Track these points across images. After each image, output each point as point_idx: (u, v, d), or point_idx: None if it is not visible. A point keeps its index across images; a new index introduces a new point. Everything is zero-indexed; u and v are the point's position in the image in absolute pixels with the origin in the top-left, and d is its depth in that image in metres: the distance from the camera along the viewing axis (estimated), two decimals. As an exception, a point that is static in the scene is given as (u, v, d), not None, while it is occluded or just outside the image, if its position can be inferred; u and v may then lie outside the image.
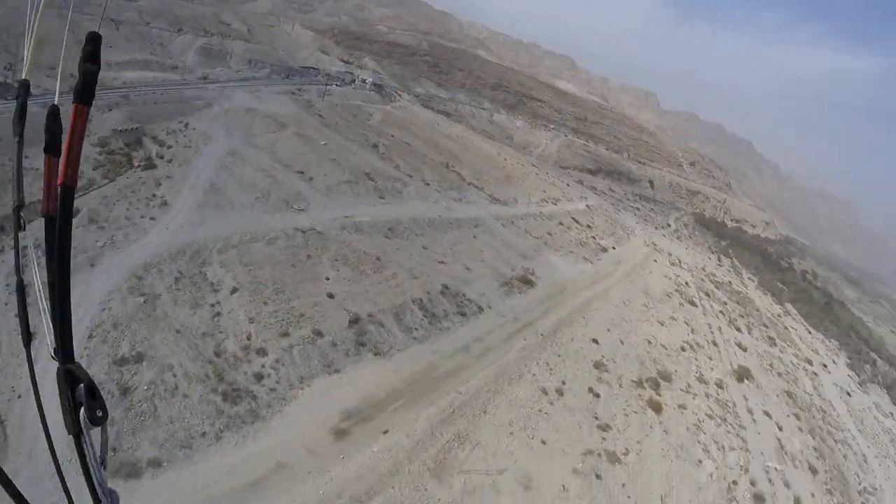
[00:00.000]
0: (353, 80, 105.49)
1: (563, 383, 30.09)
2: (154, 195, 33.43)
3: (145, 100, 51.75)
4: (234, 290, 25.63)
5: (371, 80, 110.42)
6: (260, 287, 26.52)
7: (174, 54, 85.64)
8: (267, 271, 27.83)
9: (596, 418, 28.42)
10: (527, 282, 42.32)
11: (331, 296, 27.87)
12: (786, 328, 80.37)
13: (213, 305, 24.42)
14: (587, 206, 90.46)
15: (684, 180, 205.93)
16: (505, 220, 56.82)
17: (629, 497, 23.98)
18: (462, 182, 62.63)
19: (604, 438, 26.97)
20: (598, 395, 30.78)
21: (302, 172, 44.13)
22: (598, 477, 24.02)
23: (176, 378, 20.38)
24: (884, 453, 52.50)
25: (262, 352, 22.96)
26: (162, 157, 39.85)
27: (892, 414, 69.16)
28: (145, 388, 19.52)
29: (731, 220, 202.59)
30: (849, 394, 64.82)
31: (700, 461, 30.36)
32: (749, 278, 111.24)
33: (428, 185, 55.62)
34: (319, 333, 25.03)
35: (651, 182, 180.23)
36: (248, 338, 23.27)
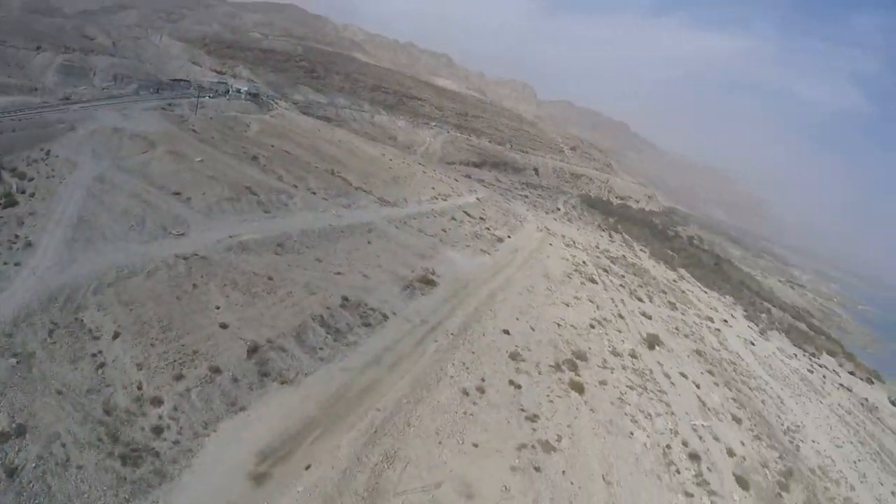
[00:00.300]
0: (228, 91, 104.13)
1: (483, 380, 29.63)
2: (17, 236, 30.33)
3: (2, 128, 47.04)
4: (116, 335, 23.06)
5: (246, 89, 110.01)
6: (144, 327, 23.80)
7: (33, 75, 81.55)
8: (150, 308, 24.89)
9: (522, 410, 28.22)
10: (428, 282, 41.75)
11: (224, 326, 25.37)
12: (683, 292, 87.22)
13: (95, 356, 22.08)
14: (477, 198, 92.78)
15: (567, 165, 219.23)
16: (397, 221, 56.71)
17: (572, 483, 23.91)
18: (349, 187, 62.34)
19: (534, 429, 26.80)
20: (519, 387, 30.66)
21: (178, 193, 41.35)
22: (537, 469, 23.71)
23: (66, 448, 18.32)
24: (797, 392, 58.36)
25: (156, 401, 20.86)
26: (24, 192, 36.71)
27: (795, 355, 77.51)
28: (34, 465, 17.52)
29: (616, 198, 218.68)
30: (752, 343, 71.51)
31: (631, 433, 31.30)
32: (641, 250, 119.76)
33: (314, 193, 54.50)
34: (217, 370, 22.71)
35: (536, 169, 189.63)
36: (139, 387, 21.22)
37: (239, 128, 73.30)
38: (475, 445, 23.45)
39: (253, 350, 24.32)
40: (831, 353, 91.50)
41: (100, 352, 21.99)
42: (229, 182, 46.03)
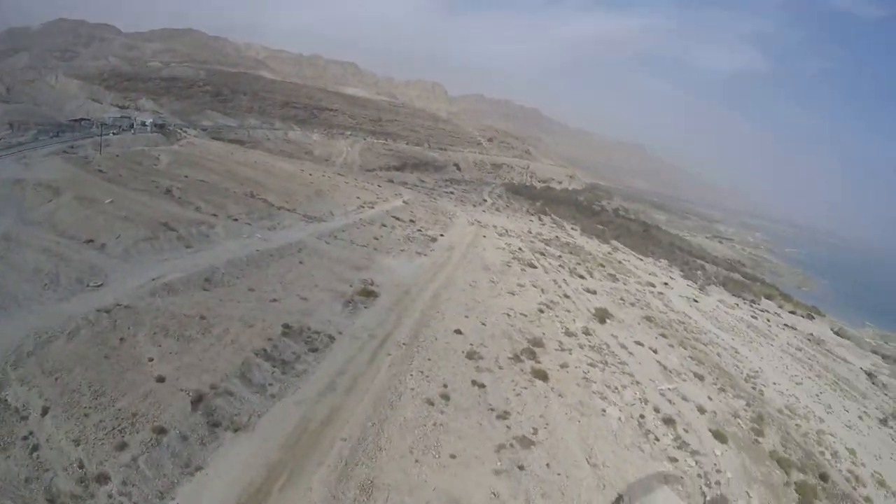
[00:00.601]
0: (132, 125, 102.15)
1: (445, 386, 28.47)
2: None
3: None
4: (45, 411, 20.11)
5: (151, 121, 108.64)
6: (75, 397, 20.92)
7: (-80, 136, 73.78)
8: (78, 374, 21.98)
9: (492, 409, 27.31)
10: (369, 293, 40.16)
11: (161, 379, 22.73)
12: (620, 262, 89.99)
13: (26, 438, 19.16)
14: (404, 201, 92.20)
15: (487, 156, 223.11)
16: (327, 236, 54.92)
17: (558, 474, 23.22)
18: (272, 208, 60.08)
19: (508, 427, 25.93)
20: (483, 386, 29.76)
21: (91, 241, 37.85)
22: (521, 468, 22.81)
23: (15, 550, 15.58)
24: (748, 339, 60.99)
25: (103, 478, 18.23)
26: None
27: (737, 305, 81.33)
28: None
29: (539, 182, 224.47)
30: (695, 300, 74.34)
31: (604, 410, 31.13)
32: (572, 229, 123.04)
33: (236, 220, 51.79)
34: (162, 430, 20.19)
35: (457, 165, 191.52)
36: (81, 465, 18.56)
37: (148, 162, 69.84)
38: (453, 456, 22.20)
39: (197, 400, 21.92)
40: (769, 297, 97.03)
41: (31, 433, 19.20)
42: (144, 221, 42.78)
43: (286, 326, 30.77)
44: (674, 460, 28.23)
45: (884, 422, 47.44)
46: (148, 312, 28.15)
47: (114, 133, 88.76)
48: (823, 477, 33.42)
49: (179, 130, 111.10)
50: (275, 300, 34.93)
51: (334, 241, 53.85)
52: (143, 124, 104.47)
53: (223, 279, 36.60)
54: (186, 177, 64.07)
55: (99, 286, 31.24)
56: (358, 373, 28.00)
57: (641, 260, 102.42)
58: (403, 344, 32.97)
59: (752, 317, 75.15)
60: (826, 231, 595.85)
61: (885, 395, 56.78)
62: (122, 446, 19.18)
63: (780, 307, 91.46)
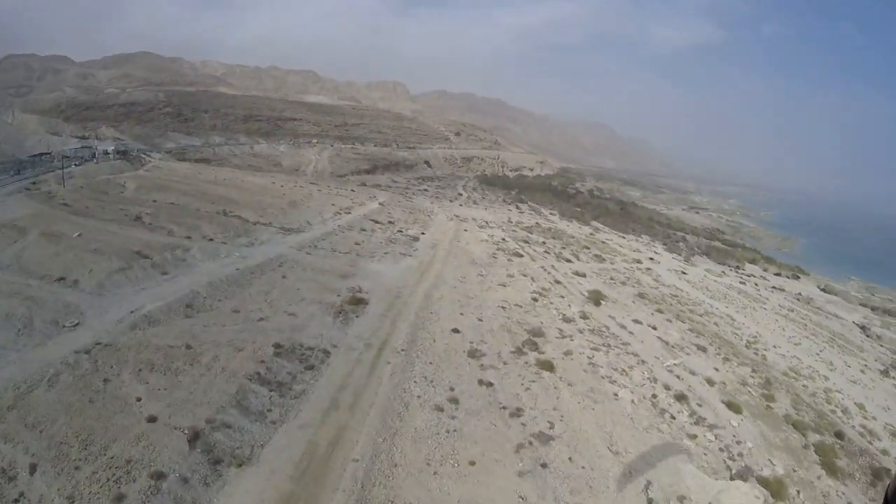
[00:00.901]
0: (94, 155, 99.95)
1: (452, 389, 27.39)
2: None
3: None
4: (33, 469, 18.37)
5: (113, 148, 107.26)
6: (63, 449, 19.18)
7: None
8: (63, 424, 20.22)
9: (504, 408, 26.31)
10: (359, 301, 38.81)
11: (152, 419, 21.09)
12: (603, 242, 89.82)
13: (17, 501, 17.38)
14: (380, 203, 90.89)
15: (456, 151, 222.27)
16: (307, 247, 53.35)
17: (583, 467, 22.35)
18: (247, 224, 58.23)
19: (523, 424, 24.96)
20: (490, 384, 28.77)
21: (63, 278, 35.72)
22: (543, 466, 21.87)
23: None
24: (741, 306, 60.99)
25: None
26: None
27: (723, 272, 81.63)
28: None
29: (511, 171, 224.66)
30: (683, 272, 74.30)
31: (616, 394, 30.40)
32: (550, 214, 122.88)
33: (211, 240, 49.95)
34: (161, 475, 18.62)
35: (427, 162, 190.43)
36: None
37: (114, 190, 67.46)
38: (472, 463, 21.11)
39: (194, 437, 20.35)
40: (753, 262, 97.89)
41: (21, 494, 17.48)
42: (116, 251, 40.76)
43: (277, 346, 29.31)
44: (693, 437, 27.63)
45: (885, 373, 47.78)
46: (130, 348, 26.42)
47: (76, 164, 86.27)
48: (839, 435, 33.24)
49: (143, 155, 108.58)
50: (262, 319, 33.38)
51: (315, 251, 52.32)
52: (106, 152, 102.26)
53: (205, 303, 34.91)
54: (155, 201, 61.93)
55: (76, 326, 29.38)
56: (359, 386, 26.68)
57: (624, 238, 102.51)
58: (402, 350, 31.76)
59: (741, 283, 75.51)
60: (794, 190, 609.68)
61: (881, 346, 57.40)
62: (120, 498, 17.60)
63: (765, 270, 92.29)
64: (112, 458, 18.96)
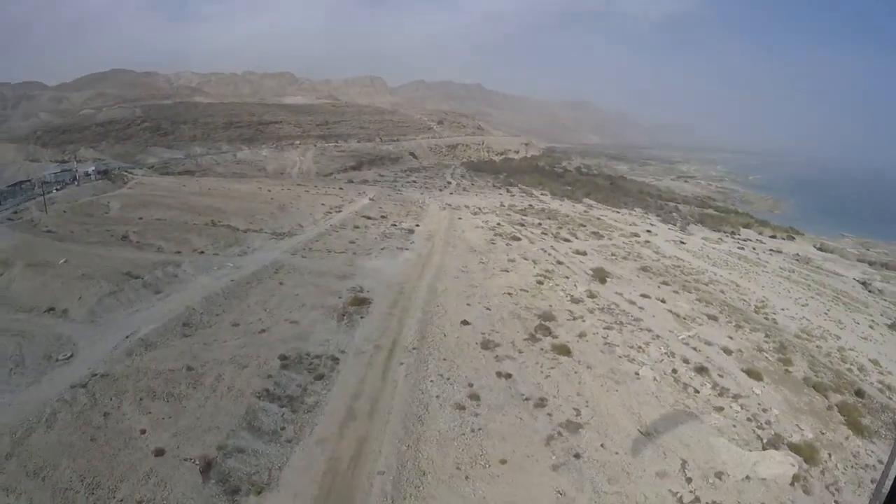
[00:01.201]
0: (75, 177, 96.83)
1: (471, 385, 26.57)
2: None
3: None
4: None
5: (94, 168, 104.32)
6: (69, 496, 18.02)
7: None
8: (66, 468, 19.05)
9: (527, 399, 25.57)
10: (362, 301, 37.87)
11: (160, 452, 19.98)
12: (598, 219, 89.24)
13: None
14: (370, 199, 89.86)
15: (440, 139, 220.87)
16: (302, 250, 52.24)
17: (616, 453, 21.68)
18: (237, 233, 56.91)
19: (549, 415, 24.23)
20: (509, 376, 27.99)
21: (52, 309, 34.31)
22: (577, 457, 21.17)
23: None
24: (743, 271, 60.62)
25: None
26: None
27: (720, 239, 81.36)
28: None
29: (496, 155, 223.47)
30: (682, 242, 73.90)
31: (637, 373, 29.79)
32: (541, 195, 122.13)
33: (202, 253, 48.73)
34: None
35: (412, 153, 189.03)
36: None
37: (98, 212, 65.84)
38: (503, 462, 20.32)
39: (207, 468, 19.24)
40: (747, 226, 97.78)
41: None
42: (105, 274, 39.37)
43: (283, 357, 28.23)
44: (720, 409, 27.06)
45: (893, 327, 47.54)
46: (128, 377, 25.19)
47: (57, 189, 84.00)
48: (859, 393, 32.83)
49: (125, 173, 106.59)
50: (263, 331, 32.28)
51: (310, 253, 51.27)
52: (87, 174, 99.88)
53: (203, 320, 33.74)
54: (141, 218, 60.52)
55: (69, 358, 28.13)
56: (374, 391, 25.73)
57: (618, 212, 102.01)
58: (413, 349, 30.88)
59: (739, 248, 75.27)
60: (777, 152, 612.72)
61: (885, 300, 57.33)
62: (135, 545, 16.61)
63: (760, 234, 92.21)
64: (121, 501, 17.82)
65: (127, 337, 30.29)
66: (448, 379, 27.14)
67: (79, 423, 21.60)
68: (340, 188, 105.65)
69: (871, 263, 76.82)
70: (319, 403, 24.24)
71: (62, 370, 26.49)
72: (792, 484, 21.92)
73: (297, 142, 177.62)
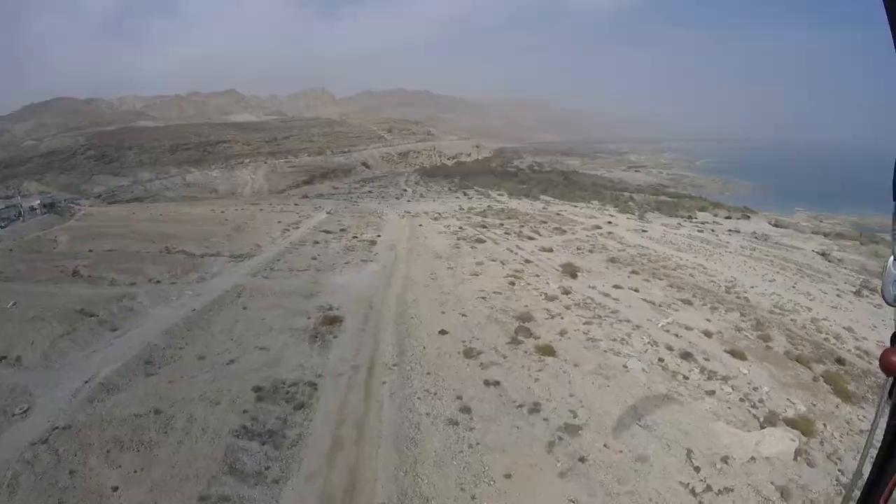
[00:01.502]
0: (21, 213, 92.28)
1: (460, 397, 25.44)
2: None
3: None
4: None
5: (39, 202, 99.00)
6: None
7: None
8: None
9: (519, 406, 24.61)
10: (333, 320, 36.24)
11: None
12: (558, 214, 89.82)
13: None
14: (327, 213, 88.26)
15: (392, 148, 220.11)
16: (263, 271, 50.13)
17: (620, 451, 20.91)
18: (194, 258, 54.23)
19: (546, 420, 23.32)
20: (497, 383, 27.00)
21: (4, 357, 31.00)
22: (582, 460, 20.27)
23: None
24: (707, 253, 61.58)
25: None
26: None
27: (679, 224, 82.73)
28: None
29: (448, 159, 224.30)
30: (644, 230, 74.77)
31: (624, 365, 29.32)
32: (498, 195, 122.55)
33: (158, 282, 45.90)
34: None
35: (365, 163, 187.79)
36: None
37: (46, 247, 61.66)
38: (508, 476, 19.24)
39: None
40: (702, 210, 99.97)
41: None
42: (57, 314, 36.28)
43: (257, 388, 26.31)
44: (711, 393, 26.82)
45: (858, 293, 48.74)
46: (92, 427, 22.92)
47: (2, 226, 78.98)
48: (840, 361, 33.26)
49: (72, 205, 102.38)
50: (232, 361, 30.22)
51: (272, 273, 49.21)
52: (32, 209, 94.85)
53: (166, 355, 31.47)
54: (91, 251, 56.98)
55: (26, 411, 25.55)
56: (359, 416, 24.16)
57: (576, 207, 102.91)
58: (393, 365, 29.51)
59: (699, 231, 76.69)
60: (729, 136, 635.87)
61: (845, 269, 58.93)
62: None
63: (716, 216, 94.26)
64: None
65: (86, 382, 27.79)
66: (435, 394, 25.92)
67: (43, 486, 19.34)
68: (296, 204, 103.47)
69: (826, 234, 79.30)
70: (303, 435, 22.50)
71: (20, 426, 23.95)
72: (795, 459, 21.70)
73: (247, 160, 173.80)
